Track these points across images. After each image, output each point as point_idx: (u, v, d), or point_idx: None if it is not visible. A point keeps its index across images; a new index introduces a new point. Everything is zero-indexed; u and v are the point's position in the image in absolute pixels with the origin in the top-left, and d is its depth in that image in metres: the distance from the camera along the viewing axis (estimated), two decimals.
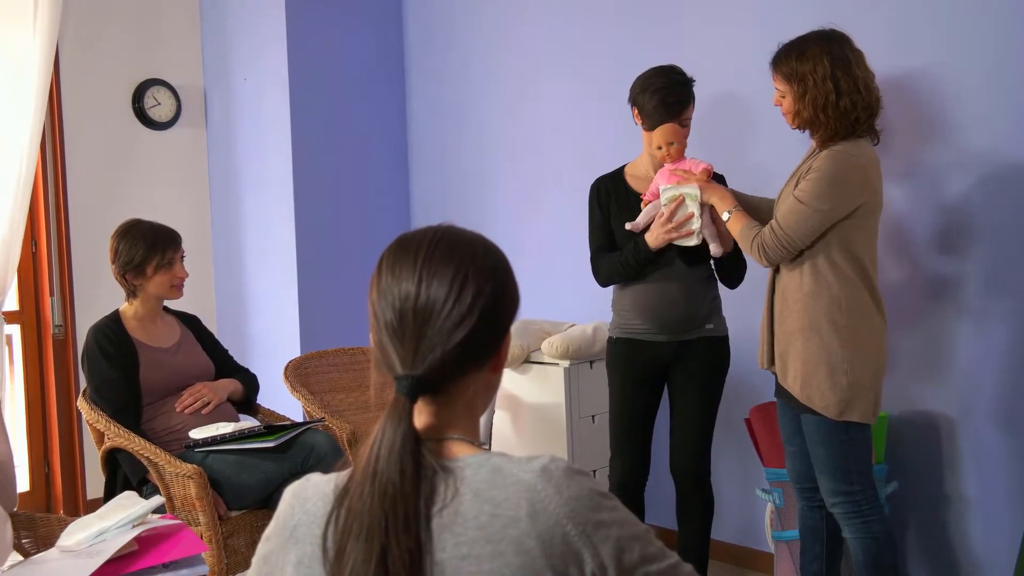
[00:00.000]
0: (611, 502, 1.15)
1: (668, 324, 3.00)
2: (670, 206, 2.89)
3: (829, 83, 2.57)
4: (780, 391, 2.80)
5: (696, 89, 3.06)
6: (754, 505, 3.71)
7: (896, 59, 3.15)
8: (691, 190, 2.87)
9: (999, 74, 3.03)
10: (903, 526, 3.33)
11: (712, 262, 3.04)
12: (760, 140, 3.61)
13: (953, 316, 3.18)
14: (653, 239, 2.92)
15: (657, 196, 2.94)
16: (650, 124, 3.00)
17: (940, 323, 3.21)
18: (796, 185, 2.67)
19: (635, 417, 3.08)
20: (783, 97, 2.70)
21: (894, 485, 3.24)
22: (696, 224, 2.87)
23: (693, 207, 2.87)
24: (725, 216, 2.81)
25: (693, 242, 2.91)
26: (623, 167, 3.17)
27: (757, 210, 2.93)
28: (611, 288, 3.17)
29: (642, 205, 2.99)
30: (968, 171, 3.11)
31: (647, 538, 1.15)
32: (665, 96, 2.96)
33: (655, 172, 3.04)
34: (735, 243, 2.90)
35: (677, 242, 2.92)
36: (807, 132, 2.75)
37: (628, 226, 3.00)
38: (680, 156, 2.97)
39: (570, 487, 1.12)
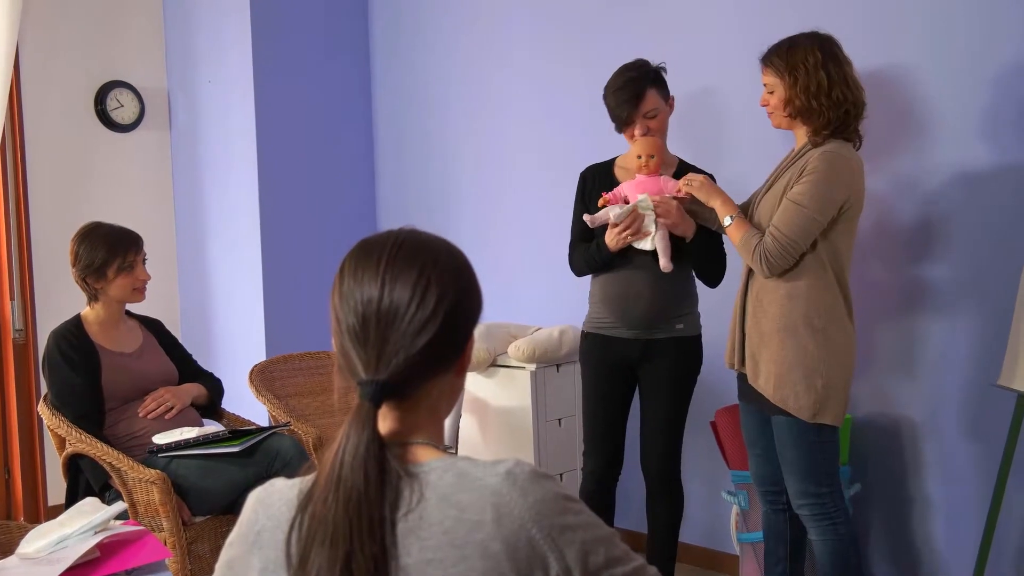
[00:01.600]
0: (576, 505, 1.15)
1: (633, 319, 3.00)
2: (627, 219, 2.88)
3: (822, 72, 2.61)
4: (745, 393, 2.81)
5: (672, 89, 3.06)
6: (720, 507, 3.73)
7: (872, 61, 3.16)
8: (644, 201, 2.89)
9: (974, 77, 3.05)
10: (866, 527, 3.36)
11: (693, 262, 3.04)
12: (737, 141, 3.63)
13: (918, 319, 3.22)
14: (612, 243, 2.93)
15: (618, 199, 2.94)
16: (616, 125, 3.02)
17: (905, 326, 3.24)
18: (786, 187, 2.66)
19: (607, 412, 3.08)
20: (771, 93, 2.71)
21: (857, 487, 3.27)
22: (652, 228, 2.88)
23: (649, 217, 2.89)
24: (727, 221, 2.76)
25: (647, 246, 2.91)
26: (614, 159, 3.15)
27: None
28: (582, 285, 3.18)
29: (600, 203, 2.97)
30: (941, 174, 3.14)
31: (612, 541, 1.15)
32: (619, 96, 2.97)
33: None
34: (711, 244, 2.96)
35: (634, 244, 2.93)
36: (789, 133, 2.77)
37: (585, 218, 2.99)
38: (657, 170, 2.95)
39: (535, 491, 1.12)
